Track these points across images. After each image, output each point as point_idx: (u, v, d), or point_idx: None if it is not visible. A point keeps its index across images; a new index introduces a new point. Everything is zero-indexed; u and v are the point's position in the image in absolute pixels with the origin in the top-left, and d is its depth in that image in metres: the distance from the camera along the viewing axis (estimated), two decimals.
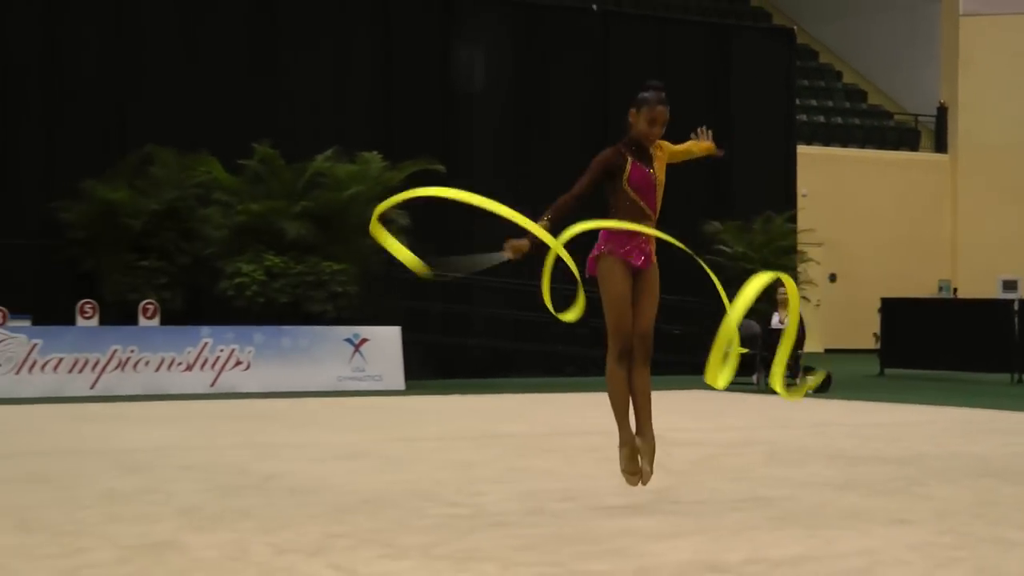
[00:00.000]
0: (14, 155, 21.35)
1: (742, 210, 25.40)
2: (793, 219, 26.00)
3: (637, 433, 7.76)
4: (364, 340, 20.19)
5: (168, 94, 22.28)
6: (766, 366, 19.95)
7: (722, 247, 24.50)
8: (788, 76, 28.07)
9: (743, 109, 26.75)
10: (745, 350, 20.49)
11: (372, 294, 21.19)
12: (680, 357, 24.75)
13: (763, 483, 8.97)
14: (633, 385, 7.76)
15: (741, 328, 22.42)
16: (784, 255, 24.91)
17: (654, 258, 7.80)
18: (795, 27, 31.31)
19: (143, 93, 22.16)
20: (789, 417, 15.22)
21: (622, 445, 7.78)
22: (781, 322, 20.25)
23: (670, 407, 16.77)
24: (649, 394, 7.79)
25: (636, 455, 7.74)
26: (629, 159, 7.68)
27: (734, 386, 20.05)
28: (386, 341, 20.34)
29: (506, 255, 7.43)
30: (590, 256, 7.78)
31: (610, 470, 9.50)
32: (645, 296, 7.74)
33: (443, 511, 7.54)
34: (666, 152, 7.88)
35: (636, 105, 7.77)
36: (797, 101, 30.53)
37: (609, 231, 7.69)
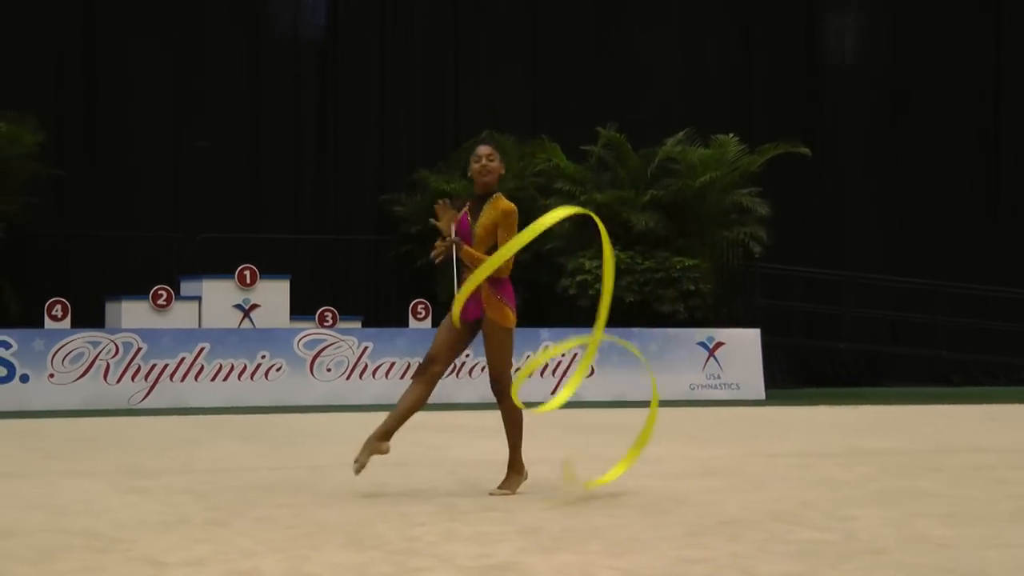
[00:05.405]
0: (347, 149, 22.17)
1: None
2: None
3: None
4: (719, 344, 20.12)
5: (505, 77, 22.74)
6: None
7: None
8: None
9: None
10: None
11: (729, 292, 21.11)
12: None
13: None
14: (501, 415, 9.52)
15: None
16: None
17: (488, 310, 9.43)
18: None
19: (479, 78, 22.68)
20: None
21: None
22: None
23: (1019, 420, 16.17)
24: (513, 423, 9.49)
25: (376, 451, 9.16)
26: (464, 209, 9.22)
27: None
28: (744, 345, 20.20)
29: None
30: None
31: (1006, 492, 9.20)
32: (485, 344, 9.51)
33: (809, 536, 7.45)
34: (499, 213, 9.17)
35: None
36: None
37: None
